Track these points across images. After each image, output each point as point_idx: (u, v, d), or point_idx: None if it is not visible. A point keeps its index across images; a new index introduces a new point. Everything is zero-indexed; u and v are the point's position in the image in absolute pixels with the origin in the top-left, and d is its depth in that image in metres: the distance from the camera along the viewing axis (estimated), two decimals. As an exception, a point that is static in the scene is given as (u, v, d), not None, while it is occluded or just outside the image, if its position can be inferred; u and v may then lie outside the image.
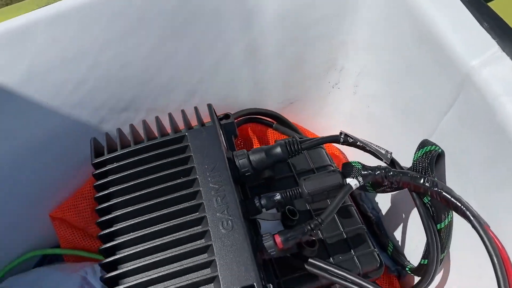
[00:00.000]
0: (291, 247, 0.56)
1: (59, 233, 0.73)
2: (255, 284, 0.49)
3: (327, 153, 0.76)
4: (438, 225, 0.60)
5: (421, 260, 0.64)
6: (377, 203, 0.80)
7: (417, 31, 0.58)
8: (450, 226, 0.60)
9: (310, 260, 0.59)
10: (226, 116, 0.72)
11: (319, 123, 0.86)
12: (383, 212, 0.79)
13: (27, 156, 0.66)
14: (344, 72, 0.79)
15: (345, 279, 0.57)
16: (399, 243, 0.75)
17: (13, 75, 0.59)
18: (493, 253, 0.49)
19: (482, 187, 0.53)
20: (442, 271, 0.66)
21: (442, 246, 0.61)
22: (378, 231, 0.76)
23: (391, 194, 0.75)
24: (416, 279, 0.68)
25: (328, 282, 0.62)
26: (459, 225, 0.60)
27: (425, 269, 0.62)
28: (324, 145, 0.78)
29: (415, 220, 0.69)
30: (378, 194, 0.80)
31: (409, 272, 0.69)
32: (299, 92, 0.82)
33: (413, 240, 0.70)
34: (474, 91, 0.51)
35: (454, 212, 0.59)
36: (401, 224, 0.73)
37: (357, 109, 0.79)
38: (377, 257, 0.64)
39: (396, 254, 0.73)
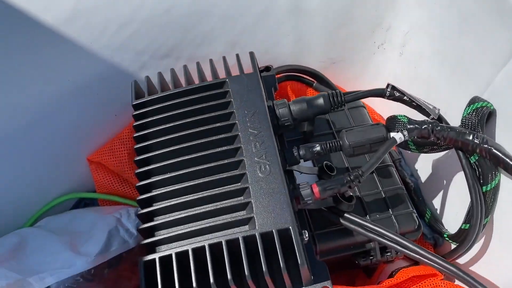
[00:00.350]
0: (327, 199, 0.55)
1: (96, 177, 0.74)
2: (290, 227, 0.48)
3: (369, 114, 0.74)
4: (484, 188, 0.57)
5: (462, 225, 0.61)
6: (416, 170, 0.78)
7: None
8: (496, 189, 0.57)
9: (346, 215, 0.57)
10: (267, 68, 0.70)
11: (361, 85, 0.83)
12: (422, 179, 0.76)
13: (69, 98, 0.67)
14: (391, 31, 0.75)
15: (382, 235, 0.56)
16: (437, 211, 0.73)
17: (59, 13, 0.60)
18: None
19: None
20: (482, 239, 0.63)
21: (486, 210, 0.58)
22: (416, 198, 0.74)
23: (432, 160, 0.72)
24: (453, 247, 0.65)
25: (363, 239, 0.60)
26: (506, 190, 0.57)
27: (466, 234, 0.60)
28: (366, 107, 0.76)
29: (457, 185, 0.66)
30: (418, 161, 0.77)
31: (447, 239, 0.66)
32: (342, 52, 0.80)
33: (453, 207, 0.68)
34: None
35: (501, 175, 0.57)
36: (441, 191, 0.71)
37: (403, 71, 0.76)
38: (416, 218, 0.62)
39: (433, 221, 0.71)
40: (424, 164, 0.75)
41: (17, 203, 0.71)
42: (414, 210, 0.63)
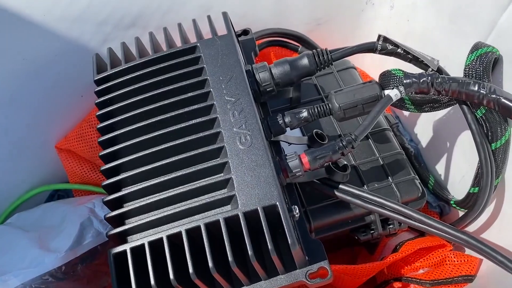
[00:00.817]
0: (319, 169, 0.49)
1: (67, 166, 0.68)
2: (277, 203, 0.42)
3: (361, 76, 0.67)
4: (493, 145, 0.51)
5: (470, 189, 0.55)
6: (416, 134, 0.72)
7: None
8: (507, 146, 0.51)
9: (341, 186, 0.51)
10: (245, 32, 0.63)
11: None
12: (423, 144, 0.70)
13: (28, 78, 0.60)
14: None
15: (383, 206, 0.50)
16: (442, 177, 0.67)
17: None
18: None
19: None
20: (493, 203, 0.57)
21: (497, 169, 0.52)
22: (418, 164, 0.67)
23: (433, 121, 0.66)
24: (462, 214, 0.60)
25: (362, 211, 0.55)
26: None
27: (476, 199, 0.54)
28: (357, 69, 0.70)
29: (462, 146, 0.60)
30: (417, 124, 0.71)
31: (454, 205, 0.61)
32: (328, 11, 0.73)
33: (459, 170, 0.62)
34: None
35: (511, 130, 0.50)
36: (445, 154, 0.65)
37: (395, 26, 0.69)
38: (419, 185, 0.56)
39: (438, 188, 0.65)
40: (424, 127, 0.69)
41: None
42: (416, 177, 0.57)
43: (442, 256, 0.58)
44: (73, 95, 0.65)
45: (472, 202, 0.55)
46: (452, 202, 0.61)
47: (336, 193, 0.51)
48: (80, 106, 0.66)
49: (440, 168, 0.66)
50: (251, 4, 0.68)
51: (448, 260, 0.58)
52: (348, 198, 0.51)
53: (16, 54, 0.57)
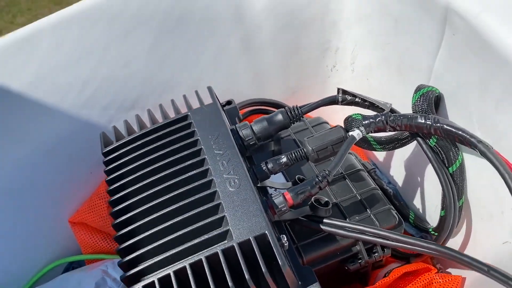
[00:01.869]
0: (303, 207, 0.56)
1: (79, 238, 0.74)
2: (266, 232, 0.49)
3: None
4: (450, 169, 0.59)
5: (440, 213, 0.62)
6: (392, 176, 0.79)
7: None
8: (462, 168, 0.59)
9: (325, 220, 0.58)
10: (228, 102, 0.74)
11: (324, 109, 0.87)
12: (399, 183, 0.78)
13: (42, 160, 0.69)
14: (340, 52, 0.81)
15: (364, 232, 0.56)
16: (420, 210, 0.73)
17: (22, 80, 0.63)
18: (504, 171, 0.48)
19: (482, 114, 0.53)
20: (464, 223, 0.63)
21: (458, 191, 0.59)
22: (398, 203, 0.75)
23: (404, 162, 0.74)
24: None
25: (347, 242, 0.61)
26: (471, 167, 0.59)
27: (444, 220, 0.60)
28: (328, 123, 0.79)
29: (429, 177, 0.68)
30: (392, 166, 0.79)
31: (432, 232, 0.67)
32: (300, 80, 0.84)
33: (432, 199, 0.69)
34: (456, 18, 0.52)
35: (464, 154, 0.59)
36: (418, 188, 0.72)
37: (358, 85, 0.80)
38: (395, 214, 0.63)
39: (418, 221, 0.71)
40: (398, 169, 0.77)
41: (4, 280, 0.70)
42: (392, 207, 0.64)
43: (428, 278, 0.63)
44: (83, 172, 0.73)
45: (442, 223, 0.62)
46: (430, 229, 0.67)
47: (322, 227, 0.58)
48: (89, 182, 0.74)
49: (417, 202, 0.73)
50: (232, 80, 0.80)
51: (434, 282, 0.62)
52: (333, 230, 0.58)
53: (34, 138, 0.67)
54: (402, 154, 0.74)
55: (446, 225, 0.60)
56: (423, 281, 0.63)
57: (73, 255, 0.76)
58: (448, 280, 0.61)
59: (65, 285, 0.66)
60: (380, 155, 0.81)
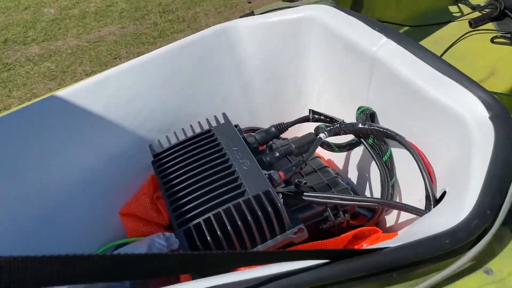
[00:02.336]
0: (290, 179, 0.87)
1: (127, 225, 1.01)
2: (270, 189, 0.79)
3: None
4: (383, 158, 0.91)
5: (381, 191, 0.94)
6: (349, 178, 1.11)
7: (342, 46, 0.97)
8: (391, 157, 0.92)
9: (304, 193, 0.89)
10: (235, 125, 1.06)
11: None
12: (355, 182, 1.10)
13: (101, 167, 0.98)
14: (309, 94, 1.16)
15: (330, 198, 0.87)
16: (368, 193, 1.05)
17: (96, 109, 0.95)
18: (413, 152, 0.81)
19: (399, 121, 0.87)
20: (397, 198, 0.95)
21: (390, 173, 0.92)
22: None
23: (356, 166, 1.07)
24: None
25: (319, 210, 0.91)
26: (397, 159, 0.92)
27: (382, 192, 0.92)
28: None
29: (374, 174, 1.00)
30: (349, 171, 1.11)
31: (378, 207, 0.98)
32: (282, 115, 1.18)
33: (377, 186, 1.00)
34: (379, 66, 0.88)
35: (391, 149, 0.92)
36: (367, 181, 1.04)
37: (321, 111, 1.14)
38: (350, 191, 0.94)
39: (369, 205, 1.02)
40: (353, 172, 1.09)
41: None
42: (348, 186, 0.95)
43: (376, 236, 0.93)
44: (131, 176, 1.02)
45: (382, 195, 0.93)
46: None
47: (304, 197, 0.88)
48: (135, 183, 1.02)
49: (367, 189, 1.05)
50: (235, 115, 1.11)
51: (380, 238, 0.92)
52: (310, 199, 0.88)
53: (101, 148, 0.96)
54: (354, 161, 1.07)
55: (382, 197, 0.91)
56: (372, 238, 0.93)
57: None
58: (388, 236, 0.91)
59: (122, 251, 0.92)
60: (340, 164, 1.13)
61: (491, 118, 0.68)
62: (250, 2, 4.11)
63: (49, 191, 0.91)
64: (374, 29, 0.91)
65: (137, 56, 1.02)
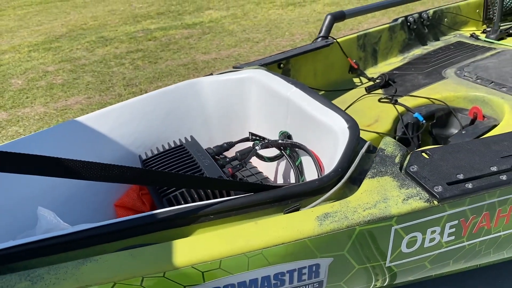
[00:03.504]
0: (235, 173, 1.33)
1: (119, 214, 1.40)
2: (221, 175, 1.25)
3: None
4: (296, 163, 1.40)
5: (296, 186, 1.41)
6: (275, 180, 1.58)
7: (269, 93, 1.50)
8: (301, 163, 1.40)
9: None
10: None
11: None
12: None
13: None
14: (250, 126, 1.65)
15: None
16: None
17: (103, 130, 1.39)
18: (312, 157, 1.30)
19: (304, 138, 1.38)
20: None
21: (301, 172, 1.40)
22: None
23: (280, 171, 1.54)
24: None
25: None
26: (305, 164, 1.41)
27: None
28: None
29: (292, 176, 1.48)
30: (276, 175, 1.58)
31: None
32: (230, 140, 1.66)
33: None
34: (292, 104, 1.40)
35: (301, 157, 1.41)
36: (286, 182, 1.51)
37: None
38: (276, 186, 1.41)
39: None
40: (278, 176, 1.56)
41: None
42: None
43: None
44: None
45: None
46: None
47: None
48: (127, 185, 1.44)
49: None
50: (198, 139, 1.60)
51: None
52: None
53: (101, 157, 1.39)
54: (279, 168, 1.55)
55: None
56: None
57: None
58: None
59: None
60: (269, 171, 1.60)
61: (348, 127, 1.19)
62: (205, 79, 4.71)
63: (68, 184, 1.32)
64: (288, 82, 1.44)
65: None
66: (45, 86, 5.07)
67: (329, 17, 2.09)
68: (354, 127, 1.19)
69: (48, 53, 6.32)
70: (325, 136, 1.27)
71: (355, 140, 1.14)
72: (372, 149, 1.20)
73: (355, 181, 1.10)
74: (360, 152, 1.14)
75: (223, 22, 7.22)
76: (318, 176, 1.25)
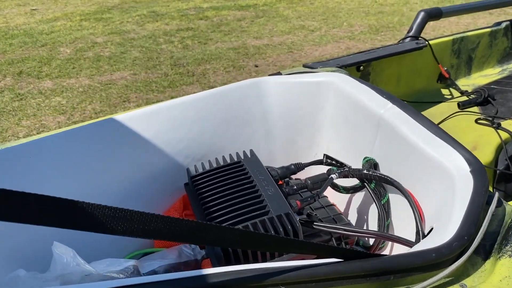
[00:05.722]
0: (303, 208, 1.04)
1: (157, 241, 1.15)
2: (290, 212, 0.96)
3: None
4: (383, 200, 1.10)
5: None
6: (349, 219, 1.29)
7: (353, 107, 1.19)
8: (388, 201, 1.10)
9: (315, 223, 1.06)
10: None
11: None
12: (355, 221, 1.27)
13: (143, 183, 1.14)
14: (321, 144, 1.36)
15: (337, 229, 1.04)
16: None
17: (147, 135, 1.13)
18: (410, 200, 0.99)
19: (398, 173, 1.07)
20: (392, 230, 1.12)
21: (387, 214, 1.09)
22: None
23: (358, 207, 1.24)
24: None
25: (325, 238, 1.07)
26: (393, 202, 1.10)
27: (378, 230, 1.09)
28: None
29: (373, 216, 1.18)
30: (351, 211, 1.28)
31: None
32: (295, 159, 1.37)
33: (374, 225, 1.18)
34: (384, 125, 1.09)
35: (389, 194, 1.10)
36: (365, 223, 1.21)
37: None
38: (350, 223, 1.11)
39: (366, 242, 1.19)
40: (353, 213, 1.27)
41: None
42: (350, 223, 1.12)
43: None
44: (166, 194, 1.18)
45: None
46: (372, 244, 1.15)
47: (314, 226, 1.05)
48: (168, 200, 1.18)
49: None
50: (257, 152, 1.31)
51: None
52: (320, 228, 1.05)
53: (145, 167, 1.13)
54: (355, 203, 1.25)
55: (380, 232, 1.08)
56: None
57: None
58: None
59: (153, 257, 1.06)
60: (342, 206, 1.31)
61: (471, 171, 0.88)
62: (257, 66, 4.44)
63: (96, 197, 1.07)
64: (382, 96, 1.13)
65: (146, 102, 1.19)
66: (92, 57, 4.92)
67: (422, 13, 1.74)
68: (480, 172, 0.87)
69: (99, 24, 6.19)
70: (432, 176, 0.96)
71: (484, 193, 0.83)
72: (499, 202, 0.89)
73: (479, 250, 0.79)
74: (489, 211, 0.83)
75: (277, 6, 6.87)
76: (418, 227, 0.95)
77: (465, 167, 0.89)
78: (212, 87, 3.97)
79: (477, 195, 0.83)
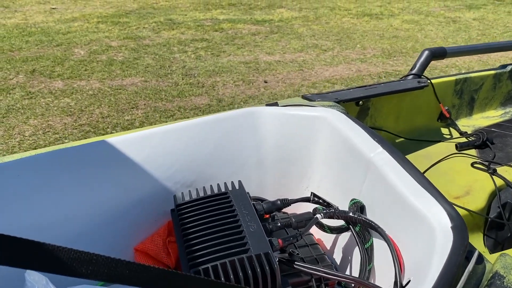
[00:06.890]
0: (285, 247, 1.04)
1: (138, 261, 1.15)
2: (269, 252, 0.96)
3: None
4: (366, 245, 1.09)
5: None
6: (334, 258, 1.28)
7: (345, 146, 1.19)
8: (372, 246, 1.09)
9: (296, 262, 1.05)
10: (247, 193, 1.24)
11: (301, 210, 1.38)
12: (338, 262, 1.26)
13: (129, 206, 1.15)
14: (312, 179, 1.35)
15: (318, 270, 1.03)
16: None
17: (138, 159, 1.14)
18: (392, 249, 0.98)
19: (383, 220, 1.06)
20: (372, 280, 1.11)
21: (369, 258, 1.09)
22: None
23: (341, 248, 1.24)
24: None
25: (305, 279, 1.07)
26: (376, 247, 1.09)
27: (360, 275, 1.08)
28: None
29: (356, 259, 1.17)
30: (335, 250, 1.28)
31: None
32: (285, 192, 1.37)
33: (356, 268, 1.17)
34: (373, 169, 1.08)
35: (373, 238, 1.10)
36: (348, 265, 1.20)
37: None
38: (333, 268, 1.11)
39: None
40: (337, 253, 1.26)
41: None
42: (332, 265, 1.11)
43: (348, 311, 1.08)
44: (151, 218, 1.18)
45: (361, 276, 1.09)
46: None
47: (295, 266, 1.05)
48: (153, 226, 1.19)
49: (348, 272, 1.21)
50: (247, 184, 1.31)
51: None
52: (300, 268, 1.04)
53: (131, 193, 1.14)
54: (340, 244, 1.24)
55: (360, 276, 1.08)
56: (345, 311, 1.08)
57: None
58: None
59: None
60: (328, 244, 1.30)
61: (452, 228, 0.87)
62: (266, 82, 4.45)
63: (80, 219, 1.08)
64: (374, 139, 1.12)
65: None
66: (105, 61, 4.98)
67: (426, 52, 1.74)
68: (461, 230, 0.86)
69: (115, 27, 6.27)
70: (414, 226, 0.95)
71: (462, 253, 0.82)
72: (479, 260, 0.88)
73: None
74: (467, 270, 0.82)
75: (293, 23, 6.91)
76: (396, 278, 0.94)
77: (447, 223, 0.88)
78: (220, 100, 4.01)
79: (455, 253, 0.82)
